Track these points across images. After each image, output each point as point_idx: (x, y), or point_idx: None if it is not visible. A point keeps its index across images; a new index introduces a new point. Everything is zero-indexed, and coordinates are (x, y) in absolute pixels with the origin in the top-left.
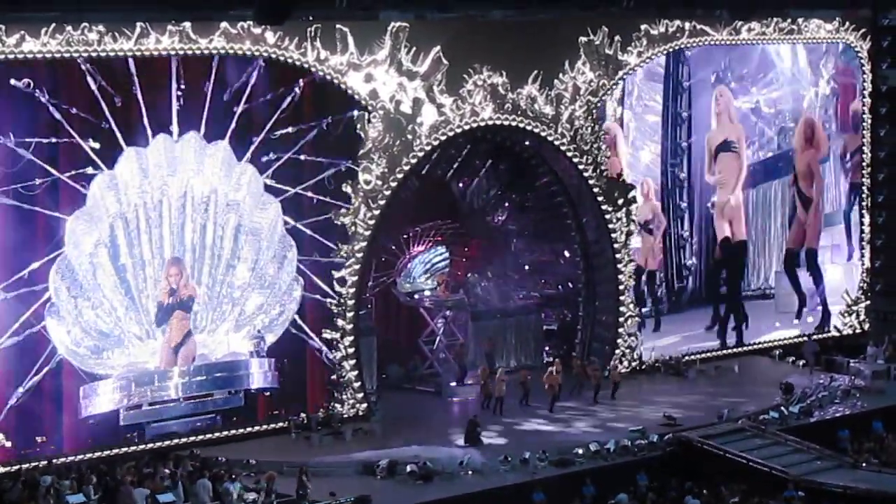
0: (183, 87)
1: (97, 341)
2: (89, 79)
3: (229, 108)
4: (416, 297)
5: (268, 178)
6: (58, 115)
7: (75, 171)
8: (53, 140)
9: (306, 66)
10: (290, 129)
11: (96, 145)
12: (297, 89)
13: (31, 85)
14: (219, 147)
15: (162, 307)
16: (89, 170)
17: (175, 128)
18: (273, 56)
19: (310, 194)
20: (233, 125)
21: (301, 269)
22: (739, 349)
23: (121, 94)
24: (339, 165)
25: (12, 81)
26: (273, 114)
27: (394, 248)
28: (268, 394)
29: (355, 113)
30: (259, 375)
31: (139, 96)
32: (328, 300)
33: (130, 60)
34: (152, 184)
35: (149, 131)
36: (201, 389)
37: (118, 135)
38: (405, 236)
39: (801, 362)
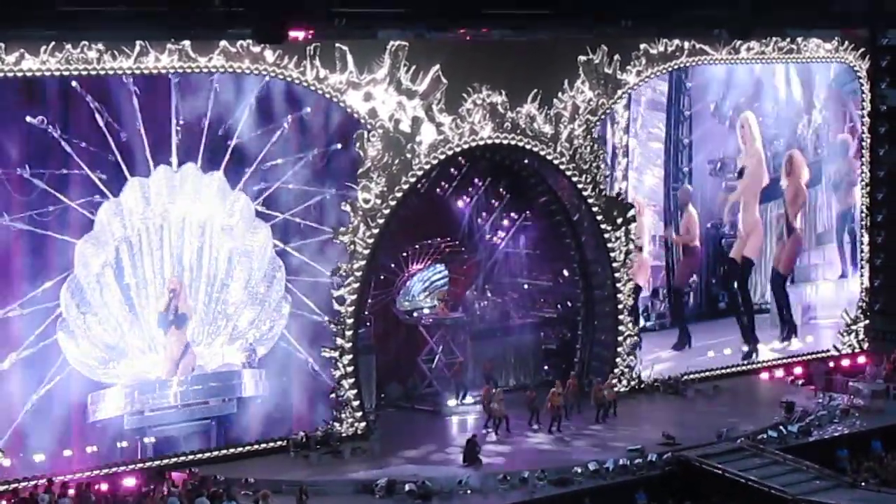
0: (182, 122)
1: (104, 353)
2: (97, 115)
3: (223, 142)
4: (416, 315)
5: (259, 205)
6: (69, 149)
7: (84, 199)
8: (64, 171)
9: (297, 97)
10: (279, 161)
11: (103, 176)
12: (285, 124)
13: (45, 121)
14: (214, 177)
15: (163, 318)
16: (97, 198)
17: (174, 159)
18: (273, 74)
19: (297, 220)
20: (227, 157)
21: (289, 288)
22: (738, 368)
23: (125, 129)
24: (324, 194)
25: (28, 119)
26: (263, 147)
27: (393, 266)
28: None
29: (338, 146)
30: (251, 384)
31: (142, 131)
32: (314, 316)
33: (135, 99)
34: (154, 210)
35: (151, 163)
36: (198, 397)
37: (123, 166)
38: (404, 254)
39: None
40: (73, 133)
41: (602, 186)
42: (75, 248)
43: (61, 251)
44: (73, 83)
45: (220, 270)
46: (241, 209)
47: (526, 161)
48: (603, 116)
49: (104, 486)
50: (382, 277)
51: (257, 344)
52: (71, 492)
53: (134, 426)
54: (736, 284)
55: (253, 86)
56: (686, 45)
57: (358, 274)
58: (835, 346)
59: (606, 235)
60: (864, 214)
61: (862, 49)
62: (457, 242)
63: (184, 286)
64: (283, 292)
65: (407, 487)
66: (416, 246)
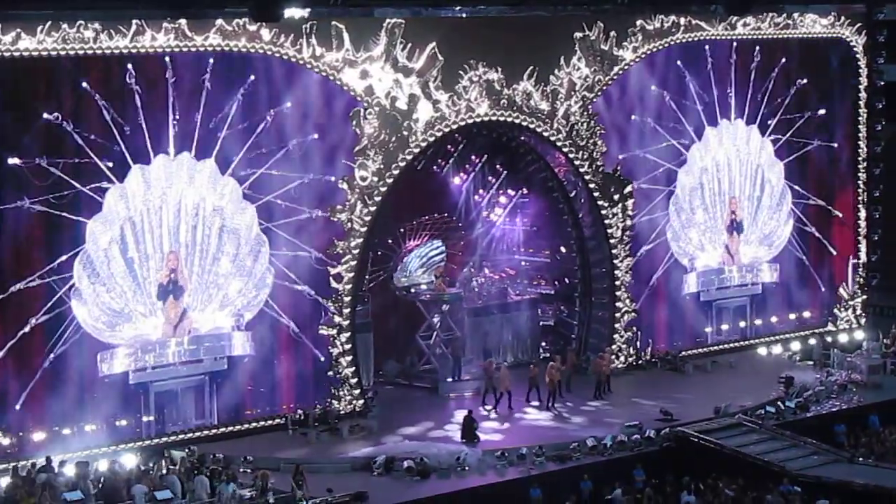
0: (178, 117)
1: (111, 318)
2: (104, 112)
3: (214, 134)
4: (413, 291)
5: (245, 189)
6: (80, 141)
7: (94, 184)
8: (76, 160)
9: (279, 94)
10: (263, 150)
11: (110, 164)
12: (268, 118)
13: (59, 118)
14: (206, 164)
15: (162, 287)
16: (104, 183)
17: (171, 149)
18: (269, 53)
19: (279, 201)
20: (217, 147)
21: (272, 261)
22: (737, 344)
23: (129, 123)
24: (302, 178)
25: (44, 115)
26: (249, 138)
27: (390, 242)
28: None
29: (314, 136)
30: (239, 345)
31: (143, 125)
32: (295, 286)
33: (137, 98)
34: (154, 194)
35: (151, 152)
36: (193, 356)
37: (127, 155)
38: (401, 230)
39: (809, 361)
40: (84, 127)
41: (599, 162)
42: (86, 227)
43: (74, 229)
44: (84, 84)
45: (211, 246)
46: (230, 192)
47: (522, 138)
48: (599, 93)
49: (103, 465)
50: (380, 253)
51: (244, 310)
52: (69, 469)
53: (138, 381)
54: None
55: (240, 84)
56: (682, 20)
57: (355, 252)
58: (831, 321)
59: (604, 212)
60: (861, 190)
61: (859, 24)
62: (454, 218)
63: (181, 262)
64: (266, 265)
65: (405, 464)
66: (413, 222)
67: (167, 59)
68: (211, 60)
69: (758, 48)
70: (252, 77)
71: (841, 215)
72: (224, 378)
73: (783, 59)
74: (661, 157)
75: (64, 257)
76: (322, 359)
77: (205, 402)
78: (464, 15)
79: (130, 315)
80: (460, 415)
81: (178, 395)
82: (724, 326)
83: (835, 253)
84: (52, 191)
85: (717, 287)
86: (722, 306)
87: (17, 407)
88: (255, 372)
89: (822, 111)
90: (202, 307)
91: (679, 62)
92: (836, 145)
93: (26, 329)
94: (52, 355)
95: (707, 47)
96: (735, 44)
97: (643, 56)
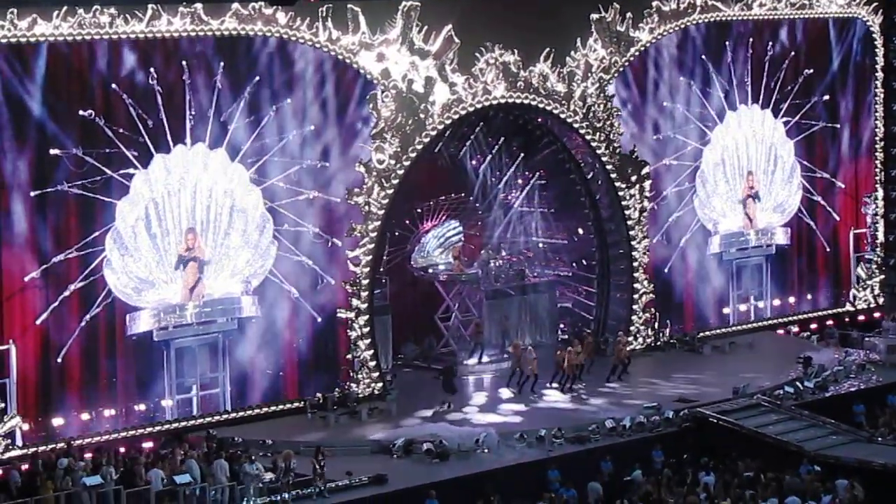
0: (193, 113)
1: (137, 284)
2: (131, 109)
3: (225, 127)
4: (431, 271)
5: (252, 174)
6: (110, 134)
7: (122, 170)
8: (107, 150)
9: (279, 92)
10: (266, 140)
11: (136, 153)
12: (271, 113)
13: (93, 114)
14: (218, 153)
15: (181, 258)
16: (132, 170)
17: (188, 140)
18: (285, 37)
19: (281, 184)
20: (227, 138)
21: (276, 235)
22: (755, 324)
23: (152, 118)
24: (301, 164)
25: (80, 112)
26: (254, 130)
27: (407, 222)
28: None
29: (311, 127)
30: (247, 307)
31: (164, 120)
32: (295, 257)
33: (159, 97)
34: (173, 178)
35: (171, 143)
36: (208, 317)
37: (150, 146)
38: (418, 211)
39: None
40: (114, 122)
41: (616, 144)
42: (116, 207)
43: (106, 209)
44: (113, 85)
45: (223, 223)
46: (239, 177)
47: (539, 120)
48: (616, 74)
49: (122, 449)
50: (397, 234)
51: (252, 277)
52: (89, 455)
53: (161, 339)
54: None
55: (246, 84)
56: (698, 1)
57: (373, 235)
58: (850, 301)
59: (621, 193)
60: (879, 170)
61: (875, 3)
62: (470, 199)
63: (198, 238)
64: (270, 239)
65: (424, 447)
66: (430, 202)
67: (184, 62)
68: (221, 64)
69: (770, 43)
70: (257, 78)
71: (843, 185)
72: (235, 336)
73: (796, 44)
74: (688, 137)
75: (97, 233)
76: (319, 319)
77: (218, 356)
78: None
79: (154, 282)
80: (480, 397)
81: (196, 350)
82: (742, 307)
83: (838, 219)
84: (87, 176)
85: (738, 248)
86: (741, 265)
87: (59, 360)
88: (262, 331)
89: (826, 97)
90: (215, 275)
91: (703, 56)
92: (838, 126)
93: (66, 293)
94: (87, 316)
95: (728, 43)
96: (751, 38)
97: (660, 37)
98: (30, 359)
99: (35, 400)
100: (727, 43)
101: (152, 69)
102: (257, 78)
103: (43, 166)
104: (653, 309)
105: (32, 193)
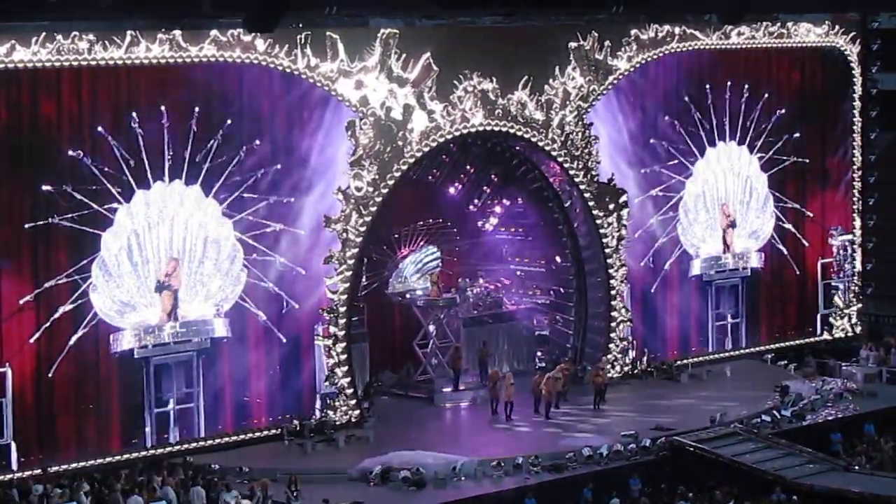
0: (171, 154)
1: (120, 307)
2: (115, 150)
3: (200, 166)
4: (408, 296)
5: (224, 208)
6: (96, 172)
7: (107, 205)
8: (94, 187)
9: (249, 134)
10: (237, 178)
11: (119, 189)
12: (241, 153)
13: (81, 154)
14: (193, 189)
15: (160, 283)
16: (115, 204)
17: (167, 178)
18: (263, 63)
19: (251, 218)
20: (201, 176)
21: (245, 265)
22: (733, 353)
23: (134, 158)
24: (267, 199)
25: (69, 152)
26: (227, 168)
27: (384, 248)
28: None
29: (278, 167)
30: (219, 328)
31: (145, 159)
32: (262, 283)
33: (140, 139)
34: (152, 212)
35: (150, 180)
36: (184, 337)
37: (132, 183)
38: (395, 236)
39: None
40: (100, 161)
41: (594, 172)
42: (102, 238)
43: (92, 240)
44: (99, 128)
45: (197, 252)
46: (213, 211)
47: (517, 148)
48: (594, 102)
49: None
50: (375, 258)
51: (223, 302)
52: (65, 481)
53: (141, 356)
54: None
55: (220, 125)
56: (677, 30)
57: (350, 262)
58: (827, 330)
59: (599, 221)
60: (856, 198)
61: (853, 33)
62: (448, 224)
63: (179, 267)
64: (241, 267)
65: (401, 474)
66: (408, 227)
67: (163, 107)
68: (196, 109)
69: (746, 85)
70: (229, 121)
71: (812, 215)
72: (208, 355)
73: (770, 84)
74: (672, 171)
75: (84, 261)
76: (284, 340)
77: (192, 372)
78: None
79: (135, 305)
80: (457, 425)
81: (172, 367)
82: (720, 323)
83: (807, 245)
84: (75, 210)
85: (716, 270)
86: (719, 286)
87: (49, 375)
88: (232, 349)
89: (797, 135)
90: (190, 299)
91: (686, 98)
92: (808, 161)
93: (56, 315)
94: (75, 336)
95: (707, 85)
96: (729, 81)
97: (637, 66)
98: (26, 378)
99: (33, 421)
100: (707, 86)
101: (133, 113)
102: (229, 121)
103: (38, 202)
104: (630, 337)
105: (27, 226)
